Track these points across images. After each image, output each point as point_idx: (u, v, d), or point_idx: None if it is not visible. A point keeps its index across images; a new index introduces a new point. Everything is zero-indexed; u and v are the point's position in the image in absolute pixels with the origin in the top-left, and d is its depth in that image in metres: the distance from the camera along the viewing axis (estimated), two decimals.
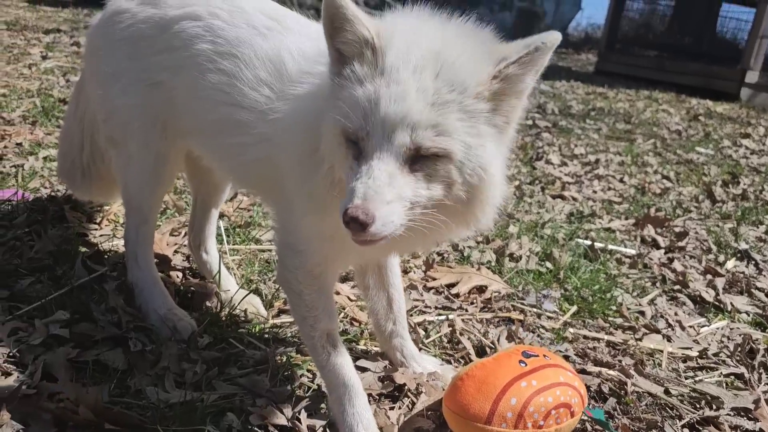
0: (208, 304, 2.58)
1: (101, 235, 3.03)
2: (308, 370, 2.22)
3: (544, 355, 1.98)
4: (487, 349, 2.54)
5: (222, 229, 3.11)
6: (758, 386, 2.54)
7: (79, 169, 2.76)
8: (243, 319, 2.50)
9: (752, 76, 12.41)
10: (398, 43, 1.52)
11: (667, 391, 2.43)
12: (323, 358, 1.91)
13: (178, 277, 2.77)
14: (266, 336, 2.40)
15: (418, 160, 1.48)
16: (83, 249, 2.83)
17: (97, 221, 3.17)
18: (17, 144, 4.23)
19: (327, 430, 1.94)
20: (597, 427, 2.10)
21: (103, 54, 2.29)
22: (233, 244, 3.14)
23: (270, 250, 3.16)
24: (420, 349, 2.46)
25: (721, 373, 2.63)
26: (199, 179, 2.69)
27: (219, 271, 2.65)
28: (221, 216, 3.29)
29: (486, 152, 1.52)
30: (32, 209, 3.13)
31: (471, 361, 2.45)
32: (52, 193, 3.46)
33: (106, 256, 2.80)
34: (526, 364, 1.89)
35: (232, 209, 3.56)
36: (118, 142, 2.34)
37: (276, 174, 1.90)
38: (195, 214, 2.75)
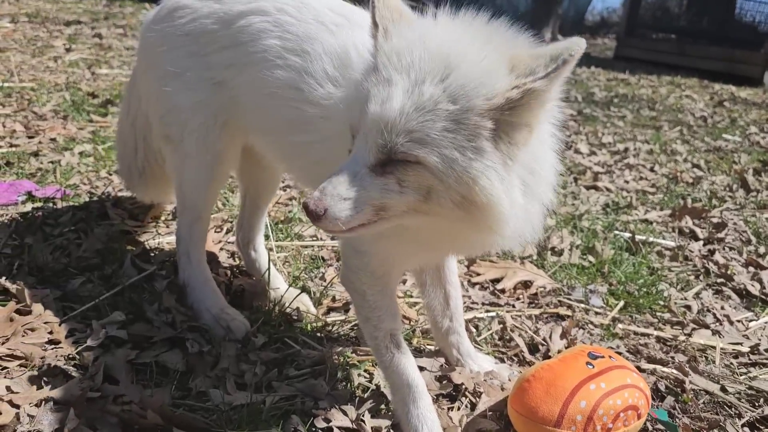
0: (258, 303, 2.57)
1: (145, 233, 3.03)
2: (365, 371, 2.21)
3: (610, 356, 1.96)
4: (540, 347, 2.52)
5: (269, 227, 3.10)
6: None
7: (135, 171, 2.74)
8: (295, 317, 2.49)
9: None
10: (397, 41, 1.49)
11: (723, 389, 2.40)
12: (387, 358, 1.90)
13: (226, 274, 2.76)
14: (319, 335, 2.39)
15: (390, 162, 1.45)
16: (129, 247, 2.84)
17: (140, 218, 3.17)
18: (51, 139, 4.24)
19: (391, 430, 1.93)
20: (659, 426, 2.08)
21: (161, 51, 2.25)
22: (276, 241, 3.13)
23: (313, 247, 3.15)
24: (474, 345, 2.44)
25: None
26: (250, 176, 2.67)
27: (269, 270, 2.64)
28: None
29: (476, 167, 1.42)
30: (75, 207, 3.14)
31: (524, 359, 2.44)
32: (92, 190, 3.47)
33: (152, 254, 2.80)
34: (593, 366, 1.87)
35: (271, 204, 3.55)
36: (174, 141, 2.31)
37: None
38: (244, 212, 2.73)
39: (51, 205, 3.13)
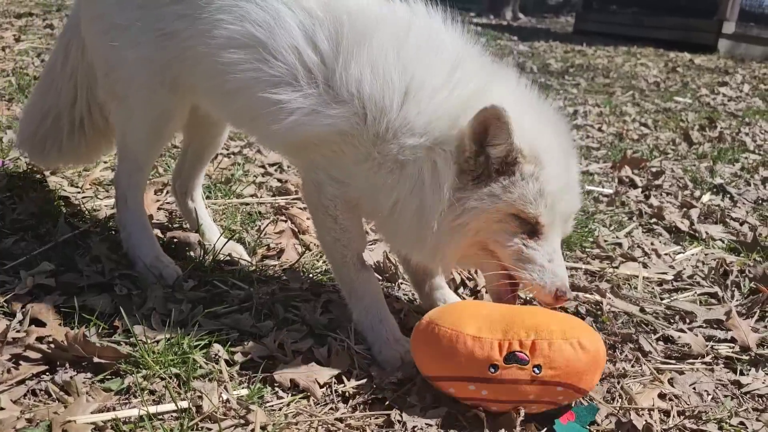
0: (191, 253, 2.62)
1: (84, 198, 3.06)
2: (293, 306, 2.26)
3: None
4: (467, 281, 2.60)
5: (210, 187, 3.14)
6: (731, 302, 2.62)
7: (66, 125, 2.65)
8: (228, 266, 2.54)
9: (729, 27, 12.45)
10: (548, 151, 1.88)
11: (642, 310, 2.51)
12: (353, 274, 2.09)
13: (160, 231, 2.80)
14: (250, 279, 2.44)
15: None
16: (65, 210, 2.86)
17: (79, 185, 3.19)
18: None
19: (312, 350, 2.00)
20: None
21: (109, 3, 2.22)
22: (215, 199, 3.17)
23: (252, 204, 3.20)
24: (401, 282, 2.52)
25: (695, 293, 2.71)
26: (196, 130, 2.65)
27: (201, 221, 2.68)
28: None
29: None
30: (12, 176, 3.15)
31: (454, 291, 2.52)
32: (31, 163, 3.47)
33: (88, 215, 2.82)
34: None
35: (212, 168, 3.59)
36: (119, 97, 2.29)
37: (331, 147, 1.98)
38: (184, 162, 2.72)
39: None
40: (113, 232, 2.67)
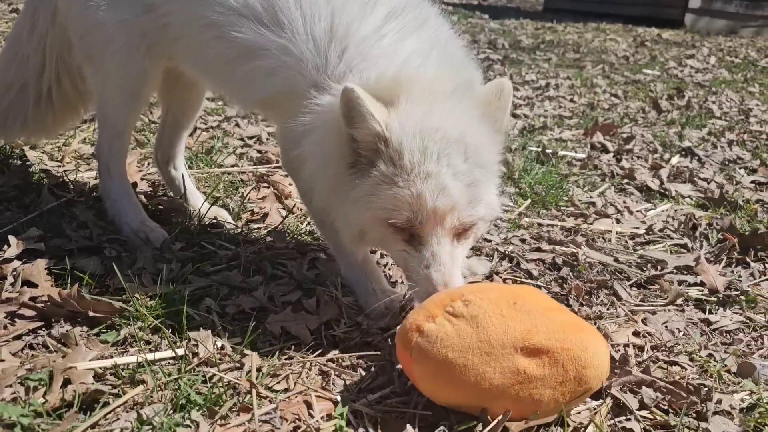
0: (177, 219, 2.66)
1: (65, 170, 3.07)
2: (280, 263, 2.32)
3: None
4: None
5: (191, 158, 3.16)
6: (699, 251, 2.74)
7: (32, 95, 2.62)
8: (213, 229, 2.59)
9: (695, 2, 12.66)
10: (411, 139, 1.71)
11: (616, 260, 2.61)
12: (332, 233, 2.07)
13: (144, 198, 2.83)
14: (237, 241, 2.50)
15: (459, 231, 1.80)
16: (48, 182, 2.88)
17: (59, 159, 3.20)
18: None
19: (301, 300, 2.06)
20: None
21: None
22: (196, 169, 3.21)
23: (232, 173, 3.24)
24: None
25: (666, 244, 2.82)
26: (174, 96, 2.68)
27: (186, 188, 2.72)
28: None
29: (495, 195, 1.90)
30: None
31: None
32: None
33: (71, 186, 2.84)
34: None
35: (192, 141, 3.62)
36: (96, 60, 2.31)
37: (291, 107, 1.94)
38: (164, 131, 2.75)
39: None
40: (98, 201, 2.70)
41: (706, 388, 1.77)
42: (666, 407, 1.72)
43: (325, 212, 2.01)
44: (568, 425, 1.59)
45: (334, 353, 1.83)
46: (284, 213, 2.77)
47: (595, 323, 2.14)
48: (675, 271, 2.54)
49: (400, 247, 1.79)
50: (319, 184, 1.91)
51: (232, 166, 3.34)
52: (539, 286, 2.34)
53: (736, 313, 2.29)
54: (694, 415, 1.69)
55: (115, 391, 1.60)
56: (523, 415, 1.55)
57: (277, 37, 1.92)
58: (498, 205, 1.91)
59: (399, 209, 1.71)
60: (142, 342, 1.81)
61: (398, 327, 1.73)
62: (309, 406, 1.60)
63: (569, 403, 1.59)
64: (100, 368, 1.67)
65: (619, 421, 1.66)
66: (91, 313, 1.87)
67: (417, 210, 1.70)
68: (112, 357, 1.73)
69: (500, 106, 1.84)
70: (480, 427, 1.52)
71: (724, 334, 2.17)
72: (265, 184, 3.04)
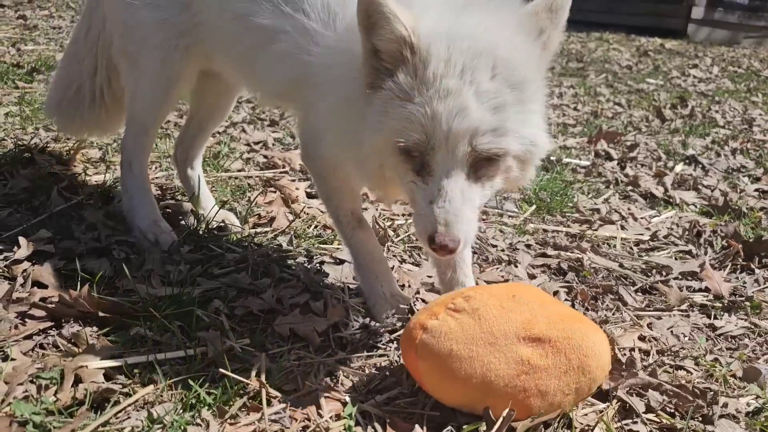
0: (184, 222, 2.68)
1: (72, 174, 3.09)
2: (286, 267, 2.34)
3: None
4: None
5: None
6: (704, 257, 2.75)
7: (88, 95, 2.70)
8: (221, 233, 2.60)
9: (698, 12, 12.72)
10: (438, 47, 1.51)
11: (621, 265, 2.62)
12: (348, 231, 2.09)
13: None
14: (244, 244, 2.51)
15: (479, 165, 1.54)
16: (57, 184, 2.89)
17: (67, 161, 3.22)
18: None
19: (309, 303, 2.07)
20: None
21: None
22: (204, 173, 3.22)
23: (239, 178, 3.26)
24: (390, 245, 2.61)
25: (671, 251, 2.83)
26: (204, 98, 2.70)
27: (200, 189, 2.74)
28: None
29: (535, 128, 1.59)
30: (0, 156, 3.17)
31: None
32: (18, 143, 3.49)
33: (80, 189, 2.86)
34: None
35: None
36: (132, 57, 2.34)
37: (312, 93, 1.90)
38: (188, 131, 2.77)
39: None
40: (107, 203, 2.72)
41: (712, 392, 1.78)
42: (672, 410, 1.73)
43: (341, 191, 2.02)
44: (575, 427, 1.60)
45: (342, 355, 1.85)
46: (291, 217, 2.78)
47: (600, 327, 2.14)
48: (680, 276, 2.55)
49: (409, 178, 1.58)
50: (337, 127, 1.78)
51: (239, 170, 3.36)
52: (543, 291, 2.34)
53: (741, 319, 2.30)
54: (700, 418, 1.70)
55: (125, 390, 1.62)
56: (530, 412, 1.56)
57: (293, 18, 1.92)
58: (543, 140, 1.61)
59: (410, 131, 1.51)
60: (151, 342, 1.82)
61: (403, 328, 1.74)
62: (318, 406, 1.61)
63: (576, 398, 1.60)
64: (111, 367, 1.69)
65: (626, 424, 1.67)
66: (101, 314, 1.89)
67: (430, 133, 1.50)
68: (122, 356, 1.74)
69: (551, 18, 1.59)
70: (484, 426, 1.53)
71: (730, 339, 2.18)
72: (272, 189, 3.06)
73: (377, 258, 2.13)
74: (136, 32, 2.30)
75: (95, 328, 1.88)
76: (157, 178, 3.15)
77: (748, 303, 2.38)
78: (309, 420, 1.56)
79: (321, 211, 2.89)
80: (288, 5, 1.93)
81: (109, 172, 3.10)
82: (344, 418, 1.57)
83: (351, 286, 2.26)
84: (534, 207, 3.17)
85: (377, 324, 1.99)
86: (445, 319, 1.62)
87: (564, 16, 1.62)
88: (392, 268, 2.41)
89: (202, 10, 2.21)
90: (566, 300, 2.30)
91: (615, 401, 1.73)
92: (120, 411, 1.54)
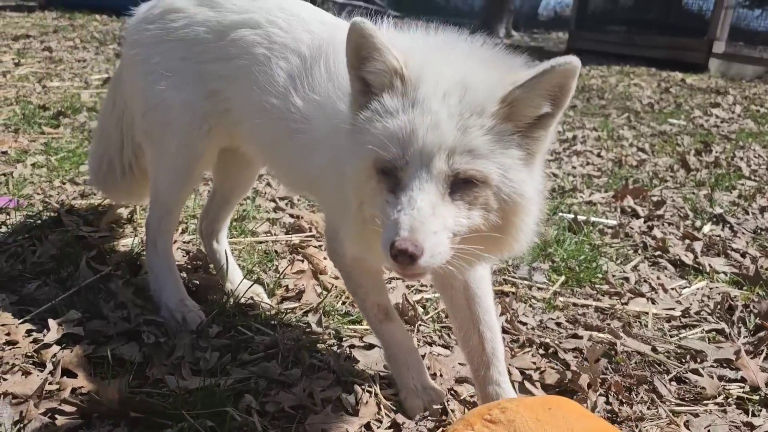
0: (213, 296, 2.66)
1: (100, 237, 3.09)
2: (316, 351, 2.31)
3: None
4: None
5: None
6: (738, 339, 2.69)
7: (118, 168, 2.75)
8: (249, 308, 2.59)
9: (719, 47, 12.64)
10: (429, 75, 1.56)
11: (654, 349, 2.57)
12: (375, 324, 2.10)
13: (180, 270, 2.84)
14: (273, 323, 2.50)
15: (457, 187, 1.51)
16: (85, 252, 2.90)
17: (95, 224, 3.23)
18: (2, 152, 4.26)
19: (341, 398, 2.04)
20: None
21: (152, 52, 2.30)
22: (230, 238, 3.22)
23: (267, 242, 3.25)
24: (419, 324, 2.58)
25: (703, 329, 2.78)
26: (227, 173, 2.73)
27: (228, 263, 2.75)
28: None
29: (519, 175, 1.55)
30: (29, 216, 3.18)
31: None
32: (45, 199, 3.51)
33: (108, 257, 2.86)
34: None
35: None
36: (155, 137, 2.37)
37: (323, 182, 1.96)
38: (212, 205, 2.80)
39: (5, 215, 3.17)
40: (135, 275, 2.72)
41: None
42: None
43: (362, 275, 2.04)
44: None
45: None
46: (319, 290, 2.76)
47: (636, 426, 2.10)
48: (715, 364, 2.49)
49: (383, 197, 1.54)
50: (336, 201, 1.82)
51: (266, 233, 3.35)
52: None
53: None
54: None
55: None
56: None
57: (315, 112, 1.97)
58: (529, 192, 1.57)
59: (388, 144, 1.51)
60: None
61: None
62: None
63: None
64: None
65: None
66: (131, 414, 1.87)
67: (406, 146, 1.50)
68: None
69: (538, 77, 1.50)
70: None
71: None
72: (300, 257, 3.04)
73: (407, 348, 2.12)
74: (159, 113, 2.32)
75: (126, 428, 1.86)
76: (185, 242, 3.15)
77: None
78: None
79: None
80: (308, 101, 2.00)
81: (137, 235, 3.11)
82: None
83: (382, 374, 2.23)
84: (563, 278, 3.12)
85: (409, 425, 1.96)
86: (481, 430, 1.59)
87: (568, 78, 1.54)
88: (423, 355, 2.38)
89: (230, 98, 2.23)
90: (599, 392, 2.25)
91: None
92: None
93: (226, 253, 2.78)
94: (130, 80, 2.47)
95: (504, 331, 2.58)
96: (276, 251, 3.16)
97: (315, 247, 3.16)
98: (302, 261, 3.00)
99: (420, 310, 2.68)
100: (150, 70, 2.30)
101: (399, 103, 1.55)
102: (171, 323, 2.39)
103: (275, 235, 3.34)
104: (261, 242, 3.24)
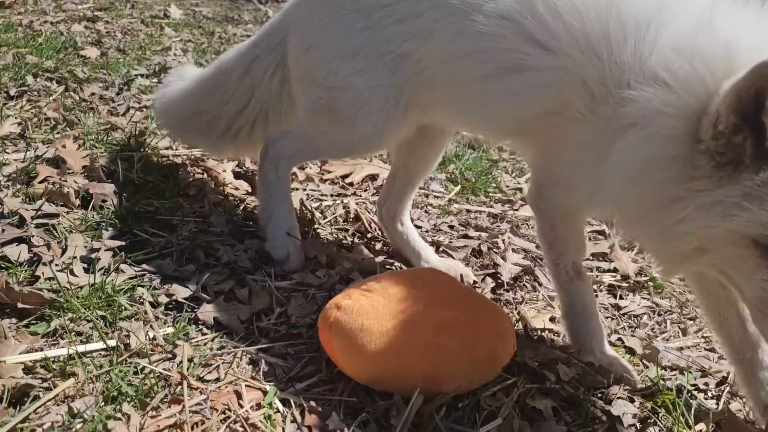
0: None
1: None
2: (210, 253, 2.35)
3: None
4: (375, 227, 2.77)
5: None
6: (615, 237, 2.92)
7: (224, 128, 2.58)
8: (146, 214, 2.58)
9: None
10: None
11: (538, 247, 2.75)
12: (566, 282, 2.01)
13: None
14: (171, 225, 2.49)
15: None
16: None
17: None
18: None
19: (234, 290, 2.11)
20: None
21: (329, 30, 2.11)
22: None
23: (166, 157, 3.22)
24: (317, 228, 2.65)
25: (586, 231, 2.98)
26: (412, 151, 2.51)
27: (414, 244, 2.57)
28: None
29: None
30: None
31: (368, 232, 2.69)
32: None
33: None
34: None
35: (126, 121, 3.55)
36: (342, 116, 2.17)
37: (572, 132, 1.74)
38: (393, 185, 2.57)
39: None
40: (26, 186, 2.65)
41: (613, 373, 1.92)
42: (577, 385, 1.85)
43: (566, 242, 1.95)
44: (483, 409, 1.71)
45: (264, 343, 1.90)
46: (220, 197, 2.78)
47: (516, 308, 2.28)
48: (591, 257, 2.70)
49: (761, 276, 1.42)
50: (631, 193, 1.60)
51: (166, 148, 3.30)
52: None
53: (644, 298, 2.47)
54: (600, 395, 1.84)
55: (45, 384, 1.63)
56: (438, 389, 1.65)
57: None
58: None
59: None
60: (73, 333, 1.82)
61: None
62: (239, 395, 1.67)
63: (482, 377, 1.75)
64: (30, 361, 1.69)
65: (532, 395, 1.76)
66: (20, 305, 1.87)
67: None
68: (42, 350, 1.74)
69: None
70: (395, 411, 1.62)
71: (632, 318, 2.34)
72: (199, 170, 3.03)
73: (591, 312, 2.02)
74: (348, 95, 2.12)
75: (14, 320, 1.86)
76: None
77: (651, 283, 2.55)
78: (230, 410, 1.61)
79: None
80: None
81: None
82: (264, 407, 1.63)
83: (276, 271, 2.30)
84: (459, 187, 3.26)
85: (298, 316, 2.04)
86: (358, 298, 1.75)
87: None
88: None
89: (423, 57, 2.00)
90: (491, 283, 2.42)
91: (524, 375, 1.82)
92: (40, 406, 1.55)
93: (404, 234, 2.58)
94: (303, 69, 2.26)
95: None
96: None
97: (214, 160, 3.13)
98: (202, 174, 3.00)
99: (318, 215, 2.76)
100: (329, 55, 2.13)
101: None
102: (278, 251, 2.33)
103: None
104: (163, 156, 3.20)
